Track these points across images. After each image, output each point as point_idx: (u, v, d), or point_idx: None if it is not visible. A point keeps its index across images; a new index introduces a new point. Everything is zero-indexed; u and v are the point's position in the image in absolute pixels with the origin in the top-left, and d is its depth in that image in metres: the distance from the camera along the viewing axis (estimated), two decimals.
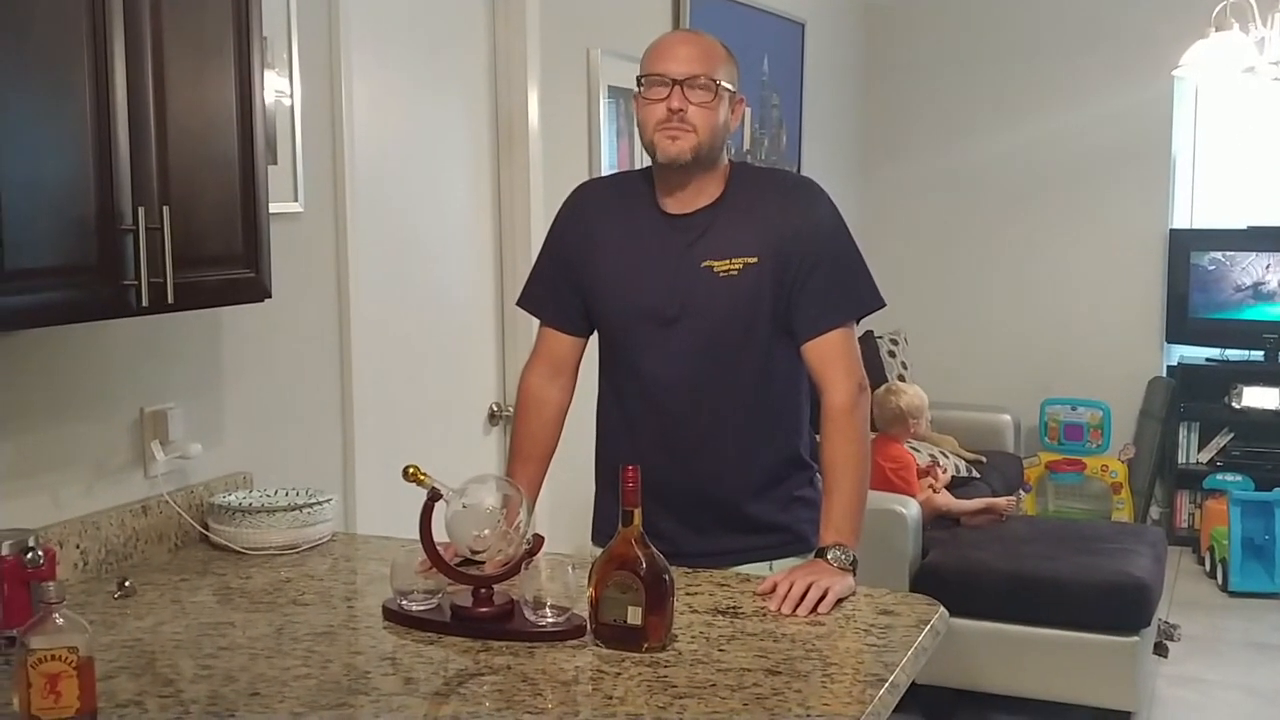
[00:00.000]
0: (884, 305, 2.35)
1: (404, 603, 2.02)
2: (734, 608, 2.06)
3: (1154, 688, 4.34)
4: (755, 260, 2.24)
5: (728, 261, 2.25)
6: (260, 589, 2.23)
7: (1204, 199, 6.30)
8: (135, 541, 2.37)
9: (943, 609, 2.09)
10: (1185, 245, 6.12)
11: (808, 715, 1.66)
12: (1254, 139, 6.14)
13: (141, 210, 1.95)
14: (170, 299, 2.00)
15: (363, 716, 1.67)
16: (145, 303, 1.97)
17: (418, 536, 2.03)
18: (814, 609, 2.04)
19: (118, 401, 2.39)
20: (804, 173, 5.06)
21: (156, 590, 2.21)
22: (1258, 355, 6.05)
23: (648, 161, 2.33)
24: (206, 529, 2.48)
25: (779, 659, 1.85)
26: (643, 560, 1.87)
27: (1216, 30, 4.75)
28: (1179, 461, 6.11)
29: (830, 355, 2.27)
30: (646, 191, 2.33)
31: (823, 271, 2.26)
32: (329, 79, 2.87)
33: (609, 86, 3.94)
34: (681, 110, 2.20)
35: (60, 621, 1.59)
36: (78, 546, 2.26)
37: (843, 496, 2.23)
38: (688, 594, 2.10)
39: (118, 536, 2.34)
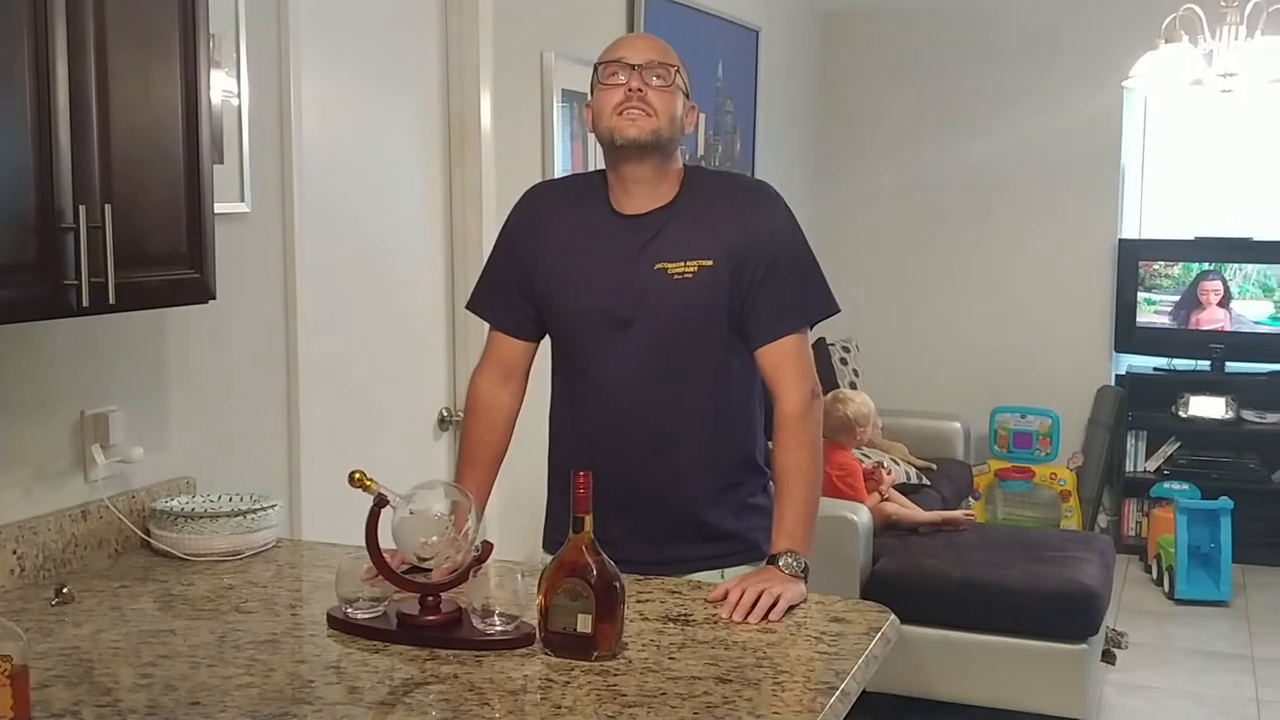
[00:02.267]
0: (839, 311, 2.34)
1: (349, 610, 1.99)
2: (685, 615, 2.05)
3: (1102, 695, 4.37)
4: (710, 263, 2.23)
5: (682, 264, 2.23)
6: (202, 596, 2.19)
7: (1152, 210, 6.37)
8: (74, 547, 2.32)
9: (893, 616, 2.08)
10: (1134, 255, 6.18)
11: None
12: (1202, 151, 6.21)
13: (83, 208, 1.91)
14: (112, 299, 1.96)
15: None
16: (86, 303, 1.93)
17: (364, 543, 2.00)
18: (765, 616, 2.02)
19: (57, 404, 2.34)
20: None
21: (95, 597, 2.17)
22: (1204, 365, 6.12)
23: (602, 165, 2.31)
24: (148, 534, 2.43)
25: (730, 667, 1.83)
26: (593, 567, 1.85)
27: (1166, 42, 4.79)
28: (1127, 470, 6.16)
29: (784, 361, 2.26)
30: (600, 192, 2.31)
31: (778, 276, 2.25)
32: (278, 78, 2.83)
33: (562, 90, 3.92)
34: (641, 91, 2.18)
35: None
36: (14, 552, 2.21)
37: (795, 503, 2.21)
38: (639, 601, 2.08)
39: (56, 542, 2.29)
